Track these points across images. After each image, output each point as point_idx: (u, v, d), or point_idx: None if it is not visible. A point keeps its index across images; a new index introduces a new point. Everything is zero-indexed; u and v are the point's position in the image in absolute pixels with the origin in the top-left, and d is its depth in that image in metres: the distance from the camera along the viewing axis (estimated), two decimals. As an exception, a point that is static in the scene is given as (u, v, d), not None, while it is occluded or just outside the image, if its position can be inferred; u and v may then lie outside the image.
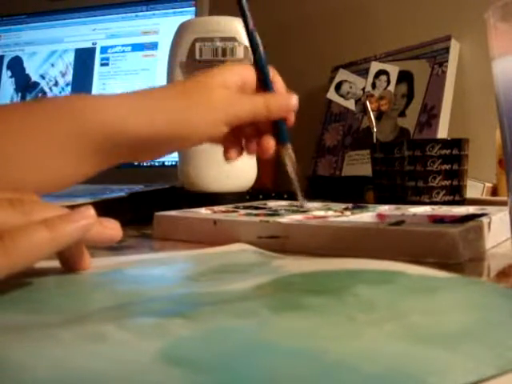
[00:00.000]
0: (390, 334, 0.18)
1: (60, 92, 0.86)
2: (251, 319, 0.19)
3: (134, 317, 0.20)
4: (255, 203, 0.54)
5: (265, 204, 0.53)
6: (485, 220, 0.37)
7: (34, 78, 0.88)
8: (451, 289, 0.23)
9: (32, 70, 0.88)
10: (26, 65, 0.89)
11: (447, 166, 0.55)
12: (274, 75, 0.43)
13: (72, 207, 0.46)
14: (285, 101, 0.41)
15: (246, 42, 0.61)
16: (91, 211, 0.25)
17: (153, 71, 0.80)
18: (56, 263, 0.29)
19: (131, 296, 0.24)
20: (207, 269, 0.30)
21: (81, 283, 0.28)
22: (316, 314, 0.20)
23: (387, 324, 0.19)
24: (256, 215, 0.43)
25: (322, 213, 0.45)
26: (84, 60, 0.85)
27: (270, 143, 0.40)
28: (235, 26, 0.61)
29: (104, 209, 0.51)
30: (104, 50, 0.84)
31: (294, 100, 0.41)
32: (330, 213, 0.45)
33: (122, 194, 0.55)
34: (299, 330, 0.18)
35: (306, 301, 0.21)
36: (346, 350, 0.16)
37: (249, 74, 0.41)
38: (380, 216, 0.44)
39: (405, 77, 0.85)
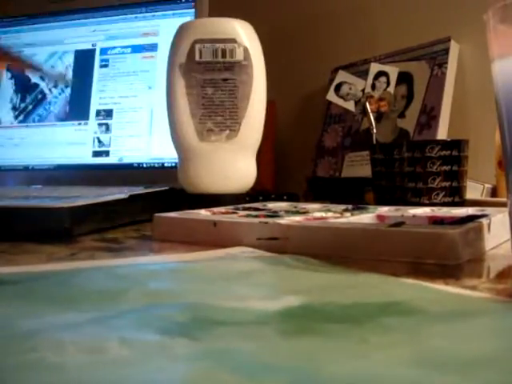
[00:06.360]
0: (400, 357, 0.17)
1: (60, 93, 0.86)
2: (258, 342, 0.18)
3: (138, 330, 0.20)
4: (255, 204, 0.54)
5: (264, 205, 0.53)
6: (484, 221, 0.37)
7: (34, 79, 0.88)
8: (489, 314, 0.22)
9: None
10: (25, 66, 0.89)
11: (447, 167, 0.55)
12: None
13: (73, 208, 0.46)
14: None
15: (246, 43, 0.61)
16: None
17: (152, 73, 0.80)
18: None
19: (140, 299, 0.23)
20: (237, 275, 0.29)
21: (91, 277, 0.28)
22: (327, 337, 0.19)
23: (401, 347, 0.18)
24: (256, 216, 0.43)
25: (321, 214, 0.45)
26: (84, 61, 0.85)
27: None
28: (235, 28, 0.61)
29: (104, 210, 0.51)
30: (104, 51, 0.84)
31: None
32: (330, 214, 0.45)
33: (122, 195, 0.55)
34: (301, 351, 0.18)
35: (322, 327, 0.20)
36: (343, 371, 0.16)
37: None
38: (380, 217, 0.44)
39: (404, 78, 0.85)
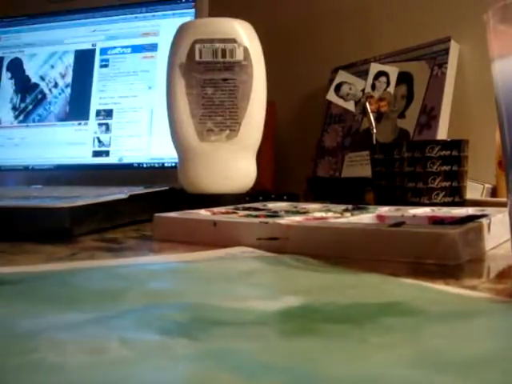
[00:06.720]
0: (400, 358, 0.17)
1: (60, 93, 0.86)
2: (257, 342, 0.18)
3: (138, 330, 0.20)
4: (255, 204, 0.54)
5: (264, 205, 0.53)
6: (484, 221, 0.37)
7: (34, 79, 0.88)
8: (489, 314, 0.22)
9: (32, 71, 0.88)
10: (25, 66, 0.89)
11: (447, 168, 0.55)
12: None
13: (73, 208, 0.46)
14: None
15: (246, 43, 0.61)
16: None
17: (152, 73, 0.80)
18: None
19: (140, 298, 0.24)
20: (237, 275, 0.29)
21: (92, 277, 0.28)
22: (327, 338, 0.19)
23: (401, 348, 0.18)
24: (256, 216, 0.43)
25: (321, 214, 0.45)
26: (84, 61, 0.85)
27: None
28: (235, 28, 0.61)
29: (104, 210, 0.51)
30: (104, 51, 0.84)
31: None
32: (330, 214, 0.45)
33: (122, 195, 0.55)
34: (300, 352, 0.18)
35: (322, 327, 0.20)
36: (342, 371, 0.16)
37: None
38: (380, 217, 0.44)
39: (404, 78, 0.85)
